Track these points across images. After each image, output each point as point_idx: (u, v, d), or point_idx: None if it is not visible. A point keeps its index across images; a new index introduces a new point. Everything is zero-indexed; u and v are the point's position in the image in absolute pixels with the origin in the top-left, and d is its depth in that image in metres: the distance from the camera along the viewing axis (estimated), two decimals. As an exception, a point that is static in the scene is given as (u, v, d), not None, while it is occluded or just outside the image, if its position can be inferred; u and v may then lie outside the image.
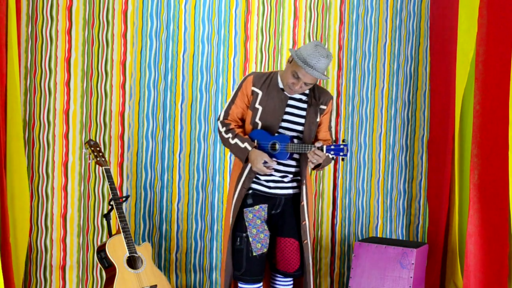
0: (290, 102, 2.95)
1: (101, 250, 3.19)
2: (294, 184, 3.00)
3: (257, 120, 2.93)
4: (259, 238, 2.89)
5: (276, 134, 2.90)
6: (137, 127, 3.79)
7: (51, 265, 3.68)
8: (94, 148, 3.41)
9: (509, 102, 3.04)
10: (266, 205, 2.94)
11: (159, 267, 3.84)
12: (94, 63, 3.71)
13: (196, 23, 3.83)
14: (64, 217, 3.69)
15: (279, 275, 3.03)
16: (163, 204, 3.84)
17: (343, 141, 2.80)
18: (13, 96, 3.36)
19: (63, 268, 3.69)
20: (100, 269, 3.71)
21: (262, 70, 3.90)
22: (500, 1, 3.16)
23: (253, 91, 2.94)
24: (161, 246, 3.85)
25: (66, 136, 3.68)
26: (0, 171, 3.21)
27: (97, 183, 3.74)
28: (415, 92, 4.16)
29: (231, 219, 2.95)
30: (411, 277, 3.46)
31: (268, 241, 2.92)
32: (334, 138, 3.13)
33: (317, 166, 2.96)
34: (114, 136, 3.75)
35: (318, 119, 2.99)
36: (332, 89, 4.03)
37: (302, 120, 2.95)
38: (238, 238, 2.91)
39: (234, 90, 3.02)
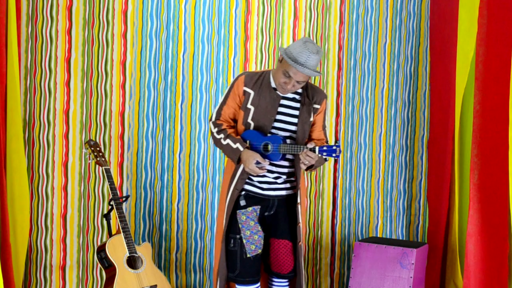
0: (283, 101, 2.91)
1: (101, 250, 3.19)
2: (288, 185, 2.97)
3: (249, 120, 2.90)
4: (253, 240, 2.87)
5: (269, 135, 2.87)
6: (137, 127, 3.79)
7: (51, 265, 3.68)
8: (94, 148, 3.41)
9: (509, 102, 3.04)
10: (259, 207, 2.91)
11: (159, 267, 3.84)
12: (94, 63, 3.71)
13: (196, 23, 3.83)
14: (64, 217, 3.69)
15: (274, 276, 3.02)
16: (163, 204, 3.84)
17: (336, 141, 2.77)
18: (13, 96, 3.36)
19: (63, 268, 3.69)
20: (100, 269, 3.71)
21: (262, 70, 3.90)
22: (500, 1, 3.16)
23: (244, 91, 2.90)
24: (161, 246, 3.86)
25: (66, 136, 3.68)
26: (0, 171, 3.21)
27: (97, 183, 3.74)
28: (415, 92, 4.16)
29: (224, 221, 2.92)
30: (411, 277, 3.46)
31: (262, 242, 2.90)
32: (328, 138, 3.09)
33: (310, 167, 2.91)
34: (114, 136, 3.75)
35: (311, 119, 2.95)
36: (332, 89, 4.03)
37: (295, 120, 2.92)
38: (232, 240, 2.89)
39: (226, 90, 2.99)
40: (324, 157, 2.79)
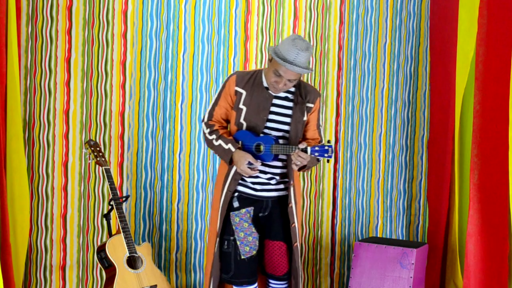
0: (275, 101, 2.87)
1: (101, 250, 3.19)
2: (282, 186, 2.93)
3: (241, 120, 2.86)
4: (247, 241, 2.85)
5: (261, 135, 2.83)
6: (137, 127, 3.79)
7: (51, 265, 3.68)
8: (94, 148, 3.41)
9: (509, 102, 3.04)
10: (253, 208, 2.88)
11: (159, 267, 3.84)
12: (94, 63, 3.71)
13: (196, 23, 3.83)
14: (64, 217, 3.69)
15: (270, 278, 2.98)
16: (163, 204, 3.84)
17: (328, 142, 2.72)
18: (13, 96, 3.36)
19: (63, 268, 3.69)
20: (100, 269, 3.71)
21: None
22: (500, 1, 3.16)
23: (236, 91, 2.87)
24: (161, 246, 3.85)
25: (66, 136, 3.68)
26: (0, 171, 3.21)
27: (97, 183, 3.74)
28: (415, 92, 4.16)
29: (218, 222, 2.89)
30: (411, 277, 3.46)
31: (257, 243, 2.87)
32: (323, 138, 3.05)
33: (303, 167, 2.88)
34: (114, 136, 3.75)
35: (305, 118, 2.91)
36: (332, 89, 4.03)
37: (288, 120, 2.88)
38: (226, 242, 2.86)
39: (218, 90, 2.97)
40: (317, 157, 2.75)
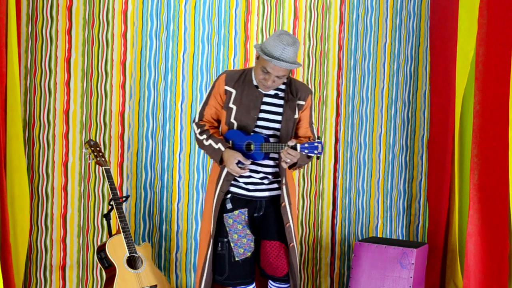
0: (266, 99, 2.83)
1: (101, 250, 3.19)
2: (275, 185, 2.90)
3: (232, 120, 2.83)
4: (241, 243, 2.82)
5: (252, 134, 2.80)
6: (137, 127, 3.79)
7: (51, 265, 3.68)
8: (94, 148, 3.41)
9: (509, 102, 3.04)
10: (246, 209, 2.85)
11: (159, 267, 3.84)
12: (94, 63, 3.71)
13: (196, 23, 3.83)
14: (64, 217, 3.69)
15: (270, 280, 2.95)
16: (163, 204, 3.84)
17: (318, 138, 2.68)
18: (13, 96, 3.36)
19: (63, 268, 3.69)
20: (100, 269, 3.71)
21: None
22: (500, 1, 3.16)
23: (226, 90, 2.84)
24: (161, 246, 3.86)
25: (66, 136, 3.69)
26: (0, 171, 3.21)
27: (97, 183, 3.74)
28: (415, 92, 4.16)
29: (212, 224, 2.85)
30: (411, 277, 3.46)
31: (252, 245, 2.84)
32: (316, 135, 3.00)
33: (294, 165, 2.84)
34: (114, 136, 3.75)
35: (296, 116, 2.86)
36: (332, 89, 4.03)
37: (279, 118, 2.83)
38: (220, 243, 2.83)
39: (208, 90, 2.94)
40: (307, 154, 2.71)
